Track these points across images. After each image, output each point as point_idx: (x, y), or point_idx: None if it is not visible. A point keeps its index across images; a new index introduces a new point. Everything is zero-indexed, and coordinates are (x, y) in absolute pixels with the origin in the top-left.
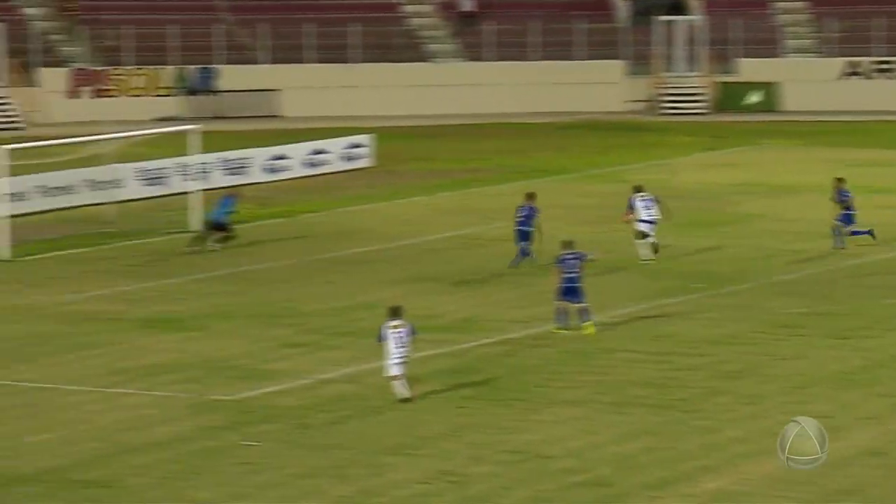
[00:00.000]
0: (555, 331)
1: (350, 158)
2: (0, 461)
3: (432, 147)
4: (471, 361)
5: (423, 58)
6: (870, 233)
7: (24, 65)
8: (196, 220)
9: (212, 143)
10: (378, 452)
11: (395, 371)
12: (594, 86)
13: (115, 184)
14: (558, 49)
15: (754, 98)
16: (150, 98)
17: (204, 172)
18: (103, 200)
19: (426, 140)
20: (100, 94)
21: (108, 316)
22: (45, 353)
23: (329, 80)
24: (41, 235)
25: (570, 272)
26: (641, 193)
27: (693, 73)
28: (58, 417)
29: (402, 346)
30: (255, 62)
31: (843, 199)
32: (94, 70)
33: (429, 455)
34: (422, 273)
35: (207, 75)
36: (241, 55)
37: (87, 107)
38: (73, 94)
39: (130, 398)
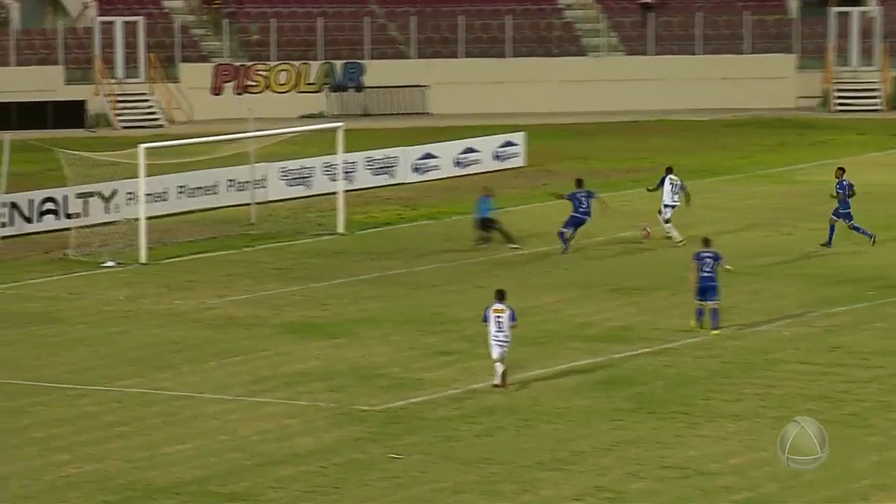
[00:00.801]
0: (693, 327)
1: (502, 158)
2: (137, 472)
3: (588, 146)
4: (627, 372)
5: (580, 52)
6: (872, 237)
7: (165, 60)
8: (340, 222)
9: (358, 141)
10: (530, 467)
11: (494, 354)
12: (763, 81)
13: (257, 183)
14: (725, 42)
15: None
16: (295, 94)
17: (349, 172)
18: (245, 201)
19: (582, 138)
20: (243, 90)
21: (251, 321)
22: (185, 361)
23: (480, 76)
24: (181, 237)
25: (707, 271)
26: (672, 176)
27: (868, 68)
28: (197, 427)
29: (501, 331)
30: (403, 57)
31: (840, 191)
32: (237, 65)
33: (583, 471)
34: (577, 278)
35: (354, 71)
36: (389, 50)
37: (230, 104)
38: (216, 90)
39: (272, 408)
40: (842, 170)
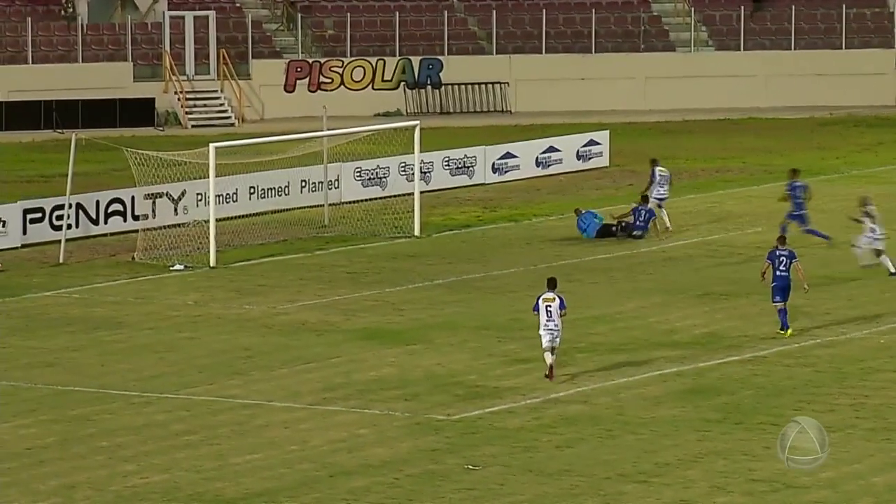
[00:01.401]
0: (786, 334)
1: (585, 157)
2: (205, 483)
3: (675, 145)
4: (714, 381)
5: (668, 47)
6: (828, 238)
7: (236, 56)
8: (416, 224)
9: (435, 140)
10: (612, 479)
11: (544, 343)
12: (860, 77)
13: (331, 184)
14: (820, 36)
15: None
16: (371, 92)
17: (426, 172)
18: (318, 202)
19: (669, 137)
20: (316, 87)
21: (323, 327)
22: (254, 368)
23: (563, 72)
24: (252, 240)
25: (783, 270)
26: (660, 168)
27: None
28: (267, 436)
29: (551, 319)
30: (483, 53)
31: (792, 193)
32: (311, 62)
33: (668, 483)
34: (662, 283)
35: (432, 67)
36: (468, 45)
37: (303, 101)
38: (288, 87)
39: (345, 416)
40: (795, 171)
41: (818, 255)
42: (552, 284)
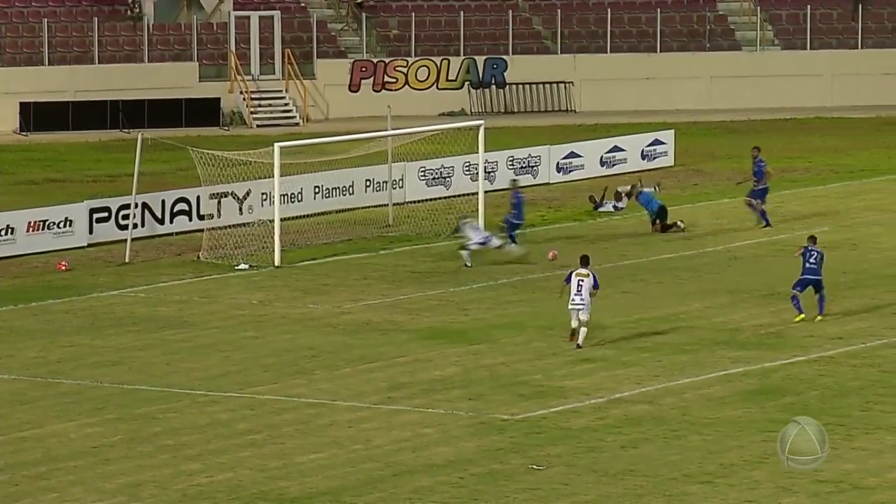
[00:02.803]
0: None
1: (649, 157)
2: (269, 482)
3: (741, 144)
4: (779, 381)
5: (733, 46)
6: (767, 223)
7: (301, 56)
8: (480, 224)
9: (499, 139)
10: (677, 480)
11: (571, 319)
12: None
13: (395, 184)
14: (888, 35)
15: None
16: (435, 91)
17: (491, 172)
18: (383, 202)
19: (734, 136)
20: (381, 87)
21: (387, 327)
22: (319, 367)
23: (628, 71)
24: (316, 239)
25: (812, 263)
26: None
27: None
28: (331, 435)
29: (579, 293)
30: (548, 52)
31: (757, 169)
32: (376, 62)
33: (733, 484)
34: (728, 283)
35: (496, 67)
36: (533, 44)
37: (367, 101)
38: (353, 87)
39: (409, 416)
40: (757, 148)
41: (885, 255)
42: (585, 262)
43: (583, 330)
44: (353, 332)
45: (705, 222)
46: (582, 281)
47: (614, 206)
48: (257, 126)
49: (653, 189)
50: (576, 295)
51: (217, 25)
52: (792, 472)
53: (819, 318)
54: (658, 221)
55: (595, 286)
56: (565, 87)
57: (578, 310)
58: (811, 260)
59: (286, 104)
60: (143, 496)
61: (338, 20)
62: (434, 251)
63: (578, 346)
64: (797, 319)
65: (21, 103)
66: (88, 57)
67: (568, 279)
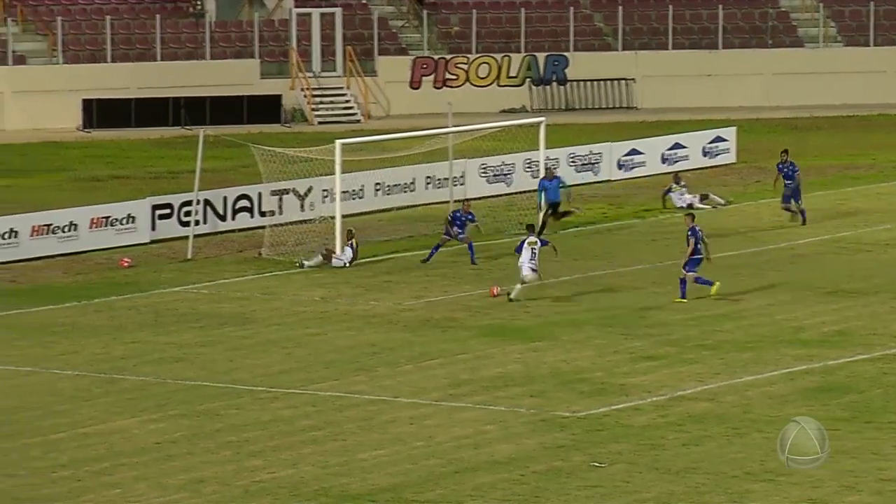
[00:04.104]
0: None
1: (711, 154)
2: (331, 478)
3: (803, 141)
4: (842, 379)
5: (795, 43)
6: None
7: (362, 53)
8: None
9: (560, 136)
10: (739, 478)
11: (524, 274)
12: None
13: (456, 180)
14: None
15: None
16: (496, 88)
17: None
18: (444, 198)
19: (796, 133)
20: (442, 84)
21: (448, 324)
22: (380, 364)
23: (690, 68)
24: (377, 236)
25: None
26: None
27: None
28: (392, 432)
29: (533, 259)
30: (609, 49)
31: (785, 172)
32: (437, 58)
33: (796, 482)
34: (791, 280)
35: (557, 63)
36: (594, 41)
37: (428, 98)
38: (414, 84)
39: (470, 413)
40: (785, 152)
41: None
42: (532, 229)
43: (523, 286)
44: (415, 328)
45: (767, 220)
46: (534, 248)
47: (690, 205)
48: (318, 123)
49: (559, 181)
50: (532, 260)
51: (278, 22)
52: (855, 471)
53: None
54: (552, 212)
55: (544, 244)
56: (626, 84)
57: (534, 270)
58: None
59: (347, 101)
60: (206, 492)
61: (399, 17)
62: (495, 248)
63: (509, 297)
64: (676, 301)
65: (84, 100)
66: (151, 54)
67: (518, 249)
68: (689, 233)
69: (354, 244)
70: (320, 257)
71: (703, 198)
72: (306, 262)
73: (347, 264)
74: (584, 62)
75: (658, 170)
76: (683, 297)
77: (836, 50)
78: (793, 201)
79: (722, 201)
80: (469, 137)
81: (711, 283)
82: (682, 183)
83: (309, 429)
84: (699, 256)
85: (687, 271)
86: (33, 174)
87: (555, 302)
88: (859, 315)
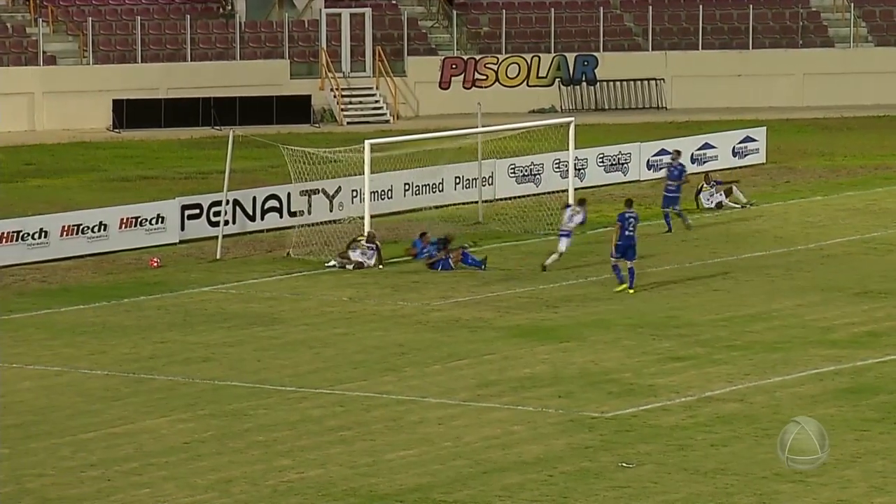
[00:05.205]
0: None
1: (741, 154)
2: (359, 478)
3: (833, 142)
4: (873, 380)
5: (826, 43)
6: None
7: (391, 53)
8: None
9: (589, 136)
10: (768, 479)
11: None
12: None
13: (485, 180)
14: None
15: None
16: (525, 88)
17: (580, 169)
18: (473, 198)
19: (827, 134)
20: (471, 84)
21: (476, 324)
22: (408, 364)
23: (720, 68)
24: (406, 236)
25: (630, 231)
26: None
27: None
28: (420, 433)
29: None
30: (639, 49)
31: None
32: (466, 59)
33: (825, 483)
34: (821, 281)
35: (587, 64)
36: (624, 42)
37: (458, 98)
38: (443, 84)
39: (498, 413)
40: (678, 152)
41: None
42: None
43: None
44: (443, 329)
45: (797, 220)
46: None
47: (719, 204)
48: (348, 123)
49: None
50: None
51: (308, 23)
52: (885, 472)
53: (630, 291)
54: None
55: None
56: (656, 84)
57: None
58: (629, 229)
59: (377, 101)
60: (234, 492)
61: (428, 17)
62: (523, 248)
63: (543, 267)
64: (618, 290)
65: (114, 100)
66: (181, 54)
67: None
68: (618, 219)
69: (376, 245)
70: (335, 264)
71: (728, 193)
72: (327, 265)
73: (372, 265)
74: (614, 62)
75: (688, 170)
76: (622, 282)
77: (866, 50)
78: (672, 207)
79: (744, 199)
80: (498, 137)
81: (623, 282)
82: (713, 182)
83: (337, 429)
84: (623, 244)
85: (614, 257)
86: (64, 174)
87: (583, 302)
88: (889, 315)
